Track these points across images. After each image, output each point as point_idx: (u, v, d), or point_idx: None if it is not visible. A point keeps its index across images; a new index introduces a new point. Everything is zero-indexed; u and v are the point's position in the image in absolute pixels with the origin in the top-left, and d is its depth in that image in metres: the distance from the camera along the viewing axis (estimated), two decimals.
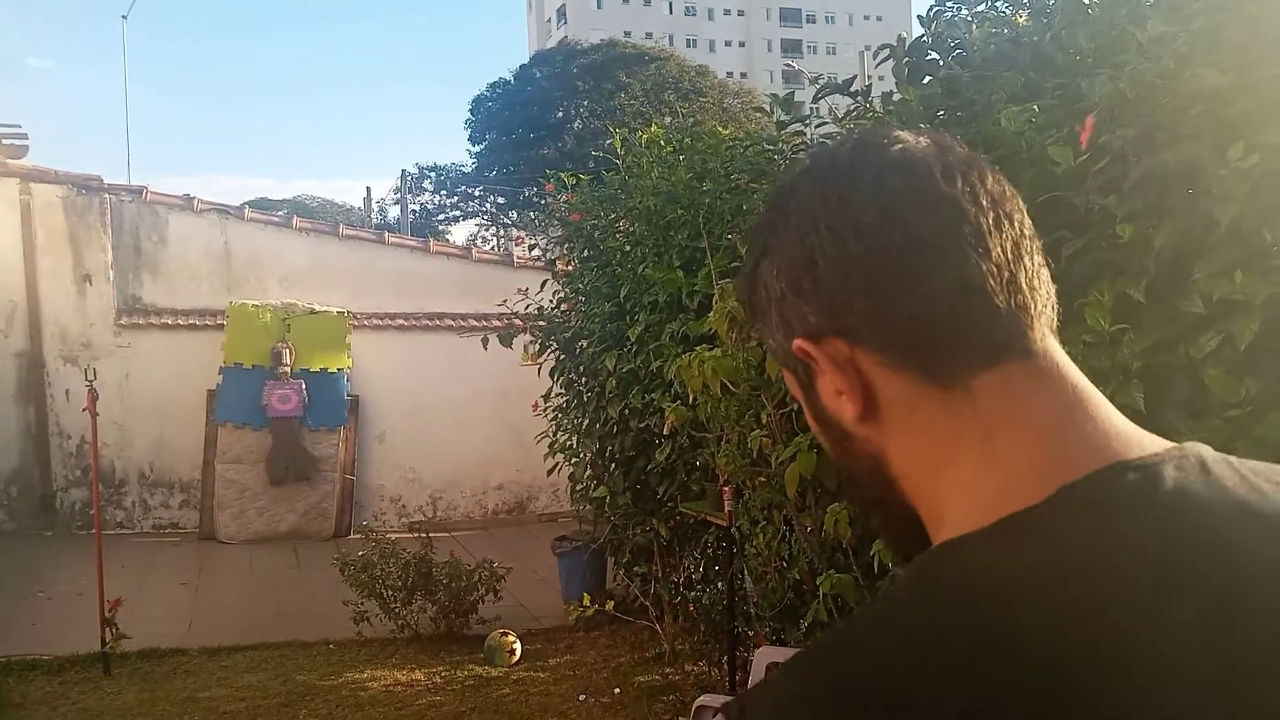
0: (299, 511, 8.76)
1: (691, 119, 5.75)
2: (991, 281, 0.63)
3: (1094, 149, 2.20)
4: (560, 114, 34.79)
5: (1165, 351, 2.00)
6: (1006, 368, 0.63)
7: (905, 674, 0.54)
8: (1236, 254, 1.89)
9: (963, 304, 0.63)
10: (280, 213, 11.02)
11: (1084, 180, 2.22)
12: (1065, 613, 0.54)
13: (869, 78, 4.35)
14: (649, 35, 58.19)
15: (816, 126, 4.20)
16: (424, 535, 5.94)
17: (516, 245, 12.29)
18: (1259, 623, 0.55)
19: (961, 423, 0.63)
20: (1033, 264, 0.66)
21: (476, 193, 37.44)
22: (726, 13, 75.32)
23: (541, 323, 6.29)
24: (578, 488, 6.26)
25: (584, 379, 5.96)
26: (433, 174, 38.54)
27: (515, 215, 33.04)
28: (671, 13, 74.05)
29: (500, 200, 35.89)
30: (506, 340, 6.38)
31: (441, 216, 38.08)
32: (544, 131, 34.07)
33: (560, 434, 6.31)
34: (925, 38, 3.40)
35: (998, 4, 3.53)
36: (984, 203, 0.65)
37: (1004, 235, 0.64)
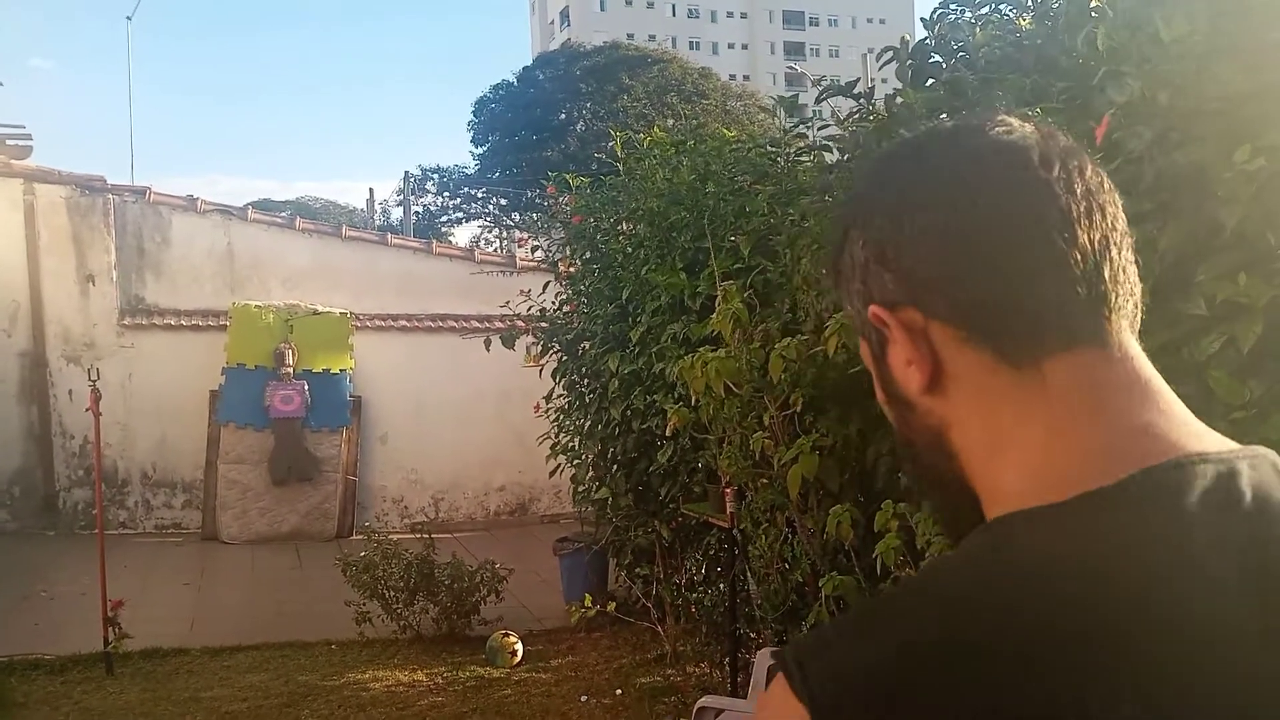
0: (301, 512, 8.77)
1: (694, 121, 5.75)
2: (1074, 269, 0.64)
3: (1108, 149, 2.20)
4: (563, 116, 34.79)
5: (1168, 354, 2.00)
6: (1080, 354, 0.64)
7: (973, 632, 0.54)
8: (1240, 257, 1.89)
9: (1042, 288, 0.64)
10: (283, 214, 11.03)
11: None
12: (1149, 595, 0.54)
13: (872, 80, 4.35)
14: (652, 38, 58.18)
15: (819, 129, 4.20)
16: (426, 536, 5.94)
17: (519, 247, 12.31)
18: None
19: (1030, 403, 0.64)
20: (1119, 259, 0.66)
21: (479, 194, 37.46)
22: (729, 15, 75.38)
23: (544, 324, 6.29)
24: (579, 489, 6.26)
25: (586, 380, 5.96)
26: (435, 176, 38.55)
27: (518, 217, 33.04)
28: (674, 15, 74.10)
29: (503, 202, 35.90)
30: (509, 342, 6.38)
31: (444, 218, 38.09)
32: (547, 133, 34.07)
33: (562, 435, 6.31)
34: (928, 40, 3.41)
35: (1001, 7, 3.53)
36: (1078, 191, 0.65)
37: (1093, 226, 0.65)
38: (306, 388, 8.80)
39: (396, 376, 9.34)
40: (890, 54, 3.41)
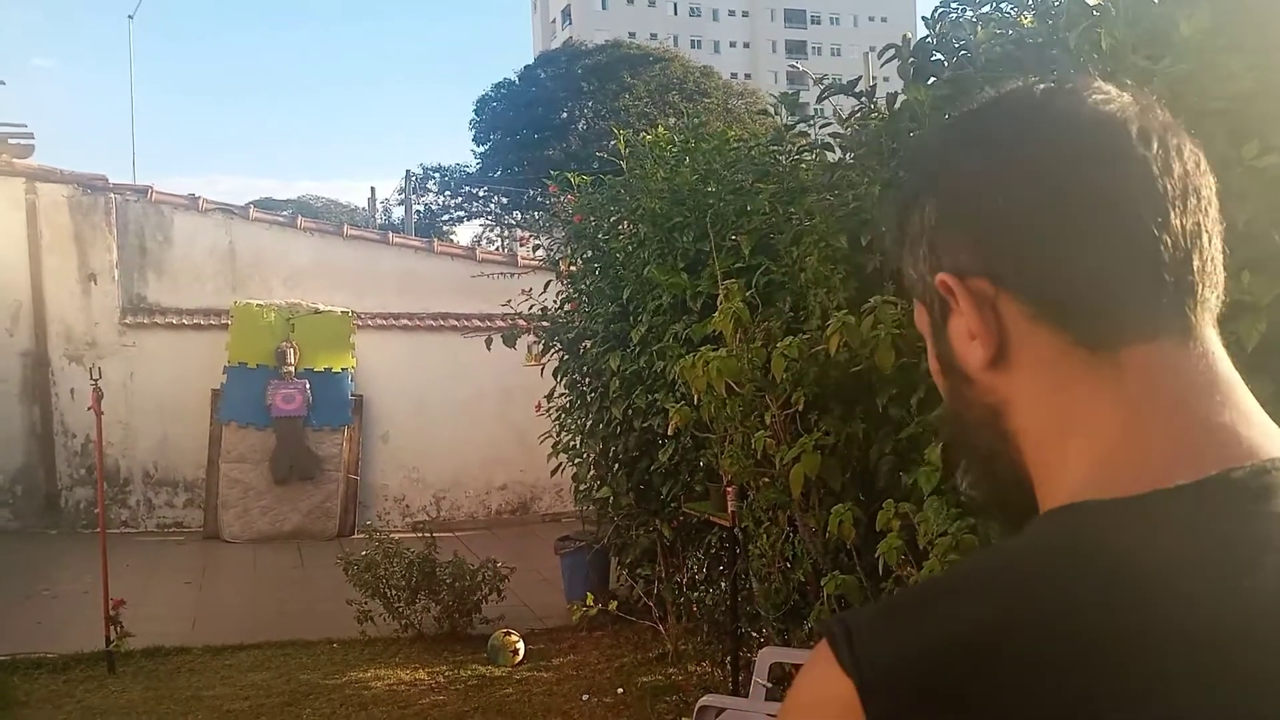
0: (303, 511, 8.77)
1: (696, 119, 5.74)
2: (1164, 255, 0.60)
3: None
4: (565, 115, 34.82)
5: None
6: (1160, 344, 0.61)
7: (1042, 622, 0.52)
8: (1244, 254, 1.88)
9: (1129, 271, 0.60)
10: (285, 213, 11.04)
11: None
12: (1231, 599, 0.52)
13: (873, 79, 4.35)
14: (653, 36, 58.17)
15: (821, 127, 4.20)
16: (428, 535, 5.95)
17: (521, 246, 12.31)
18: None
19: (1103, 390, 0.61)
20: (1210, 248, 0.62)
21: (481, 193, 37.47)
22: (731, 14, 75.36)
23: (545, 323, 6.29)
24: (581, 488, 6.26)
25: (587, 379, 5.95)
26: (437, 174, 38.58)
27: (520, 216, 33.06)
28: (676, 14, 74.10)
29: (504, 201, 35.91)
30: (510, 341, 6.38)
31: (446, 217, 38.12)
32: (549, 132, 34.09)
33: (563, 434, 6.31)
34: (930, 39, 3.41)
35: (1002, 5, 3.53)
36: (1175, 172, 0.61)
37: (1187, 210, 0.61)
38: (308, 386, 8.80)
39: (398, 375, 9.34)
40: (892, 52, 3.41)
